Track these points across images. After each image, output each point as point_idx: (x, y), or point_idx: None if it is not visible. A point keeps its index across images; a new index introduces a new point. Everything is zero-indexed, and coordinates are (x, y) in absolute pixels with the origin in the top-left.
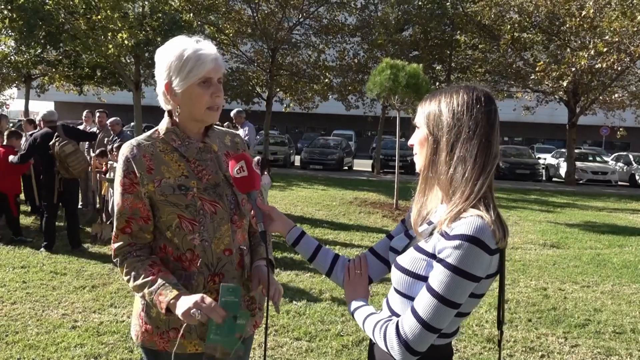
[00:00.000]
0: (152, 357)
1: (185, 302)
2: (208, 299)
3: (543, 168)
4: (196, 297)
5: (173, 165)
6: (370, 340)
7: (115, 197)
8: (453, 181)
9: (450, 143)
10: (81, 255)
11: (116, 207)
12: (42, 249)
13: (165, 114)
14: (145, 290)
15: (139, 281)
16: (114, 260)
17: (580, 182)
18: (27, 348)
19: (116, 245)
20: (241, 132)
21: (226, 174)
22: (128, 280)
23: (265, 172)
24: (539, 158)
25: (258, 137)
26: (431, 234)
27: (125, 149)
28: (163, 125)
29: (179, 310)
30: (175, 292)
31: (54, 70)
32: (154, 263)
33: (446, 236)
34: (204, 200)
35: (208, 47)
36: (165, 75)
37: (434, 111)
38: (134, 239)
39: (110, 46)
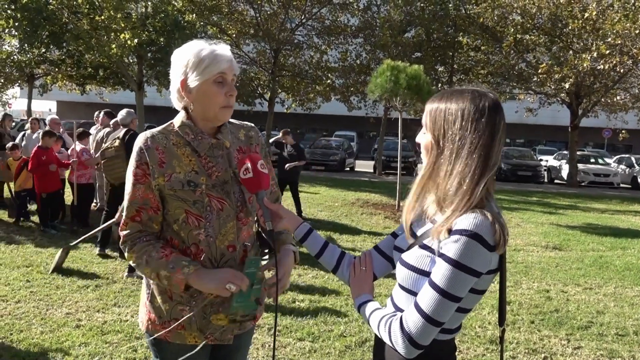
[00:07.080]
0: (157, 346)
1: (213, 276)
2: (237, 272)
3: (545, 170)
4: (223, 271)
5: (184, 159)
6: (376, 336)
7: (127, 186)
8: (449, 194)
9: (452, 156)
10: (85, 254)
11: (127, 196)
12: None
13: (182, 109)
14: (161, 271)
15: (153, 263)
16: (121, 247)
17: (582, 184)
18: (32, 347)
19: (125, 232)
20: None
21: (235, 171)
22: (139, 265)
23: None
24: (541, 160)
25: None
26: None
27: (140, 140)
28: (178, 118)
29: (208, 284)
30: (194, 267)
31: (56, 69)
32: (165, 245)
33: (449, 232)
34: (211, 196)
35: (224, 49)
36: (181, 72)
37: (440, 119)
38: (143, 227)
39: (113, 46)
